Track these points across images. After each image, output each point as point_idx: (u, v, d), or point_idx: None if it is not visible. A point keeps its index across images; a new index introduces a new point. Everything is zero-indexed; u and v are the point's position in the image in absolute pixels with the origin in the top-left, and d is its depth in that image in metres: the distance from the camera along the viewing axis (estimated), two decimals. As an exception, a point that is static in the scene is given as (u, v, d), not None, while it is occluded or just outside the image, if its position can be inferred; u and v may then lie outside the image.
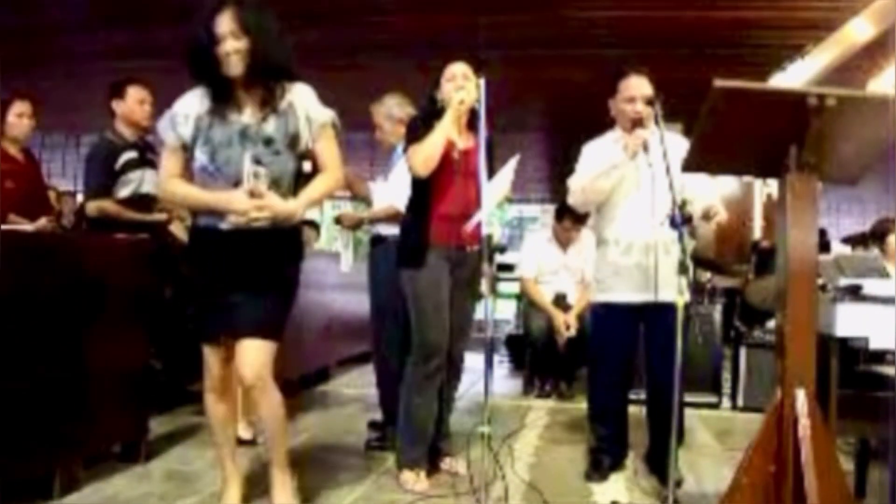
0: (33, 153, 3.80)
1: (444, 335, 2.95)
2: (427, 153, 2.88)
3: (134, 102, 3.61)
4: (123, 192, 3.58)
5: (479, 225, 2.72)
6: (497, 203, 2.95)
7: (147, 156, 3.62)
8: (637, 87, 3.01)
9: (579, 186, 3.08)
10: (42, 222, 3.50)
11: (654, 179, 2.89)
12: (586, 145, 3.18)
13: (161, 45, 5.86)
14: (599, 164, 3.02)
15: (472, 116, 2.98)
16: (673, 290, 2.83)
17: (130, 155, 3.57)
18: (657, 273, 2.93)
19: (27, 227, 3.34)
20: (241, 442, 3.44)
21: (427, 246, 2.93)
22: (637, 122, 2.95)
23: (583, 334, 4.61)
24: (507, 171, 2.86)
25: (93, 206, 3.58)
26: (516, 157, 2.88)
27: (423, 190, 2.98)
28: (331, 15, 5.22)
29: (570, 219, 4.99)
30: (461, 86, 2.94)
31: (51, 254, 2.66)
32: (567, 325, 4.82)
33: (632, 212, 3.00)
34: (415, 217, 3.01)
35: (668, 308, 2.85)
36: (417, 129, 2.97)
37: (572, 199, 3.14)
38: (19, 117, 3.59)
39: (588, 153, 3.14)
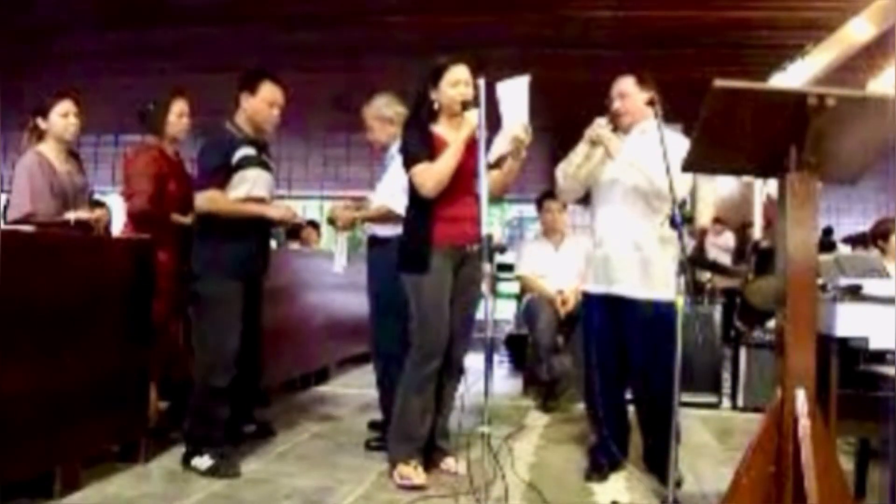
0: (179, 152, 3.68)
1: (445, 337, 2.95)
2: (440, 178, 2.89)
3: (263, 102, 3.17)
4: (238, 191, 3.10)
5: (479, 225, 2.72)
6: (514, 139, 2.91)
7: (263, 156, 3.24)
8: (616, 85, 3.09)
9: (558, 173, 3.17)
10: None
11: (631, 174, 2.99)
12: None
13: (161, 45, 5.88)
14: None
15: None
16: (637, 286, 2.95)
17: (248, 151, 3.13)
18: (622, 265, 3.00)
19: (185, 221, 3.36)
20: (244, 434, 3.47)
21: (430, 249, 2.93)
22: (615, 117, 3.05)
23: (576, 319, 4.62)
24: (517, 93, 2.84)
25: (203, 198, 3.07)
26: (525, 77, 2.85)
27: None
28: (331, 15, 5.22)
29: (550, 199, 5.02)
30: (467, 96, 2.90)
31: (52, 254, 2.66)
32: (564, 300, 4.81)
33: (606, 205, 3.08)
34: (416, 220, 3.00)
35: (638, 305, 2.91)
36: (416, 144, 2.95)
37: (557, 187, 3.25)
38: (179, 117, 3.52)
39: None
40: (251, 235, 3.14)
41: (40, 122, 3.27)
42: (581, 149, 3.07)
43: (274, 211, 3.18)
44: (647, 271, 2.94)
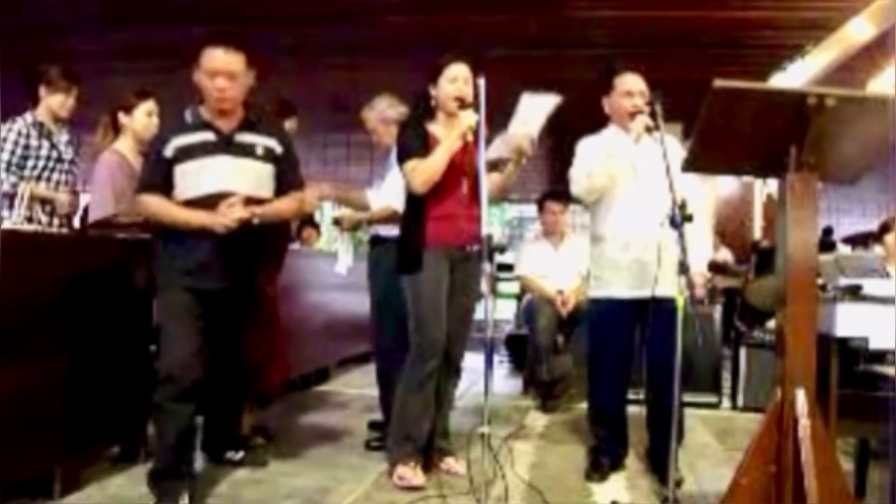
0: None
1: (442, 335, 2.95)
2: (429, 175, 2.89)
3: (204, 73, 2.59)
4: (178, 190, 2.60)
5: (478, 224, 2.72)
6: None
7: (237, 138, 2.64)
8: (634, 82, 3.05)
9: (585, 172, 3.06)
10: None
11: (653, 176, 2.91)
12: (582, 140, 3.18)
13: (161, 45, 5.88)
14: (603, 151, 3.04)
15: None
16: (671, 286, 2.85)
17: (187, 139, 2.59)
18: (656, 268, 2.93)
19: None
20: (242, 441, 3.41)
21: (424, 249, 2.93)
22: (636, 115, 2.98)
23: (577, 320, 4.63)
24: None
25: (138, 203, 2.69)
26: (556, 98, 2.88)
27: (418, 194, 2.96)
28: (330, 14, 5.22)
29: (552, 200, 5.01)
30: (464, 94, 2.89)
31: (52, 254, 2.67)
32: (564, 301, 4.79)
33: (629, 208, 3.02)
34: (411, 221, 3.01)
35: (669, 304, 2.87)
36: (411, 140, 2.95)
37: (577, 188, 3.10)
38: None
39: (587, 147, 3.14)
40: (199, 242, 2.55)
41: (122, 118, 3.26)
42: (620, 154, 2.98)
43: (202, 218, 2.51)
44: (673, 271, 2.89)
